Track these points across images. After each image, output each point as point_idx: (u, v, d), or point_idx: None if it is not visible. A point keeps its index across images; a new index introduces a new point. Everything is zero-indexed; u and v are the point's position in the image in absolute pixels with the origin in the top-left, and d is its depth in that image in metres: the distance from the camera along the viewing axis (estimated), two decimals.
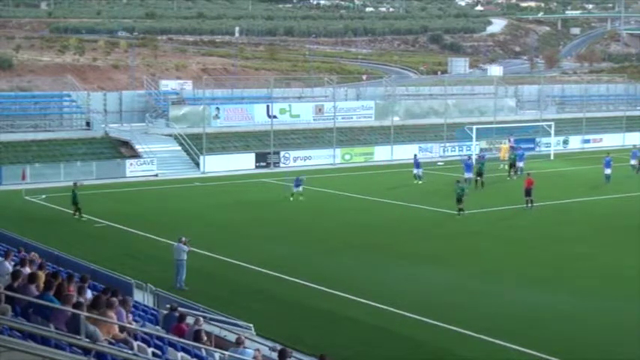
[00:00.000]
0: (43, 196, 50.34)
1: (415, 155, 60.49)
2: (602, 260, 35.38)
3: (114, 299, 16.96)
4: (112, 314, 16.10)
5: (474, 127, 69.65)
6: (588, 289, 30.64)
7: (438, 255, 36.15)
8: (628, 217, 44.68)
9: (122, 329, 16.47)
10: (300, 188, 49.30)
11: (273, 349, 20.53)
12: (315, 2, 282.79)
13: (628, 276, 32.53)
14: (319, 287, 30.58)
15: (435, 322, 26.50)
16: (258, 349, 19.18)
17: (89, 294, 19.10)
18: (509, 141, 70.41)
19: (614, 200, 49.92)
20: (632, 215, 45.22)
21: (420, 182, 55.21)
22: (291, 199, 48.62)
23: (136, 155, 61.85)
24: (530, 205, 46.38)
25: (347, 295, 29.44)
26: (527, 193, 46.58)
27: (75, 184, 46.02)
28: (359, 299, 28.99)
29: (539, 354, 23.56)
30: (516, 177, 56.95)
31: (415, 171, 56.49)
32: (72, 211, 44.17)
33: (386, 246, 37.80)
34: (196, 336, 18.74)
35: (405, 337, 25.48)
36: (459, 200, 44.18)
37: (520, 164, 59.07)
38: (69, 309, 15.18)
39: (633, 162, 60.75)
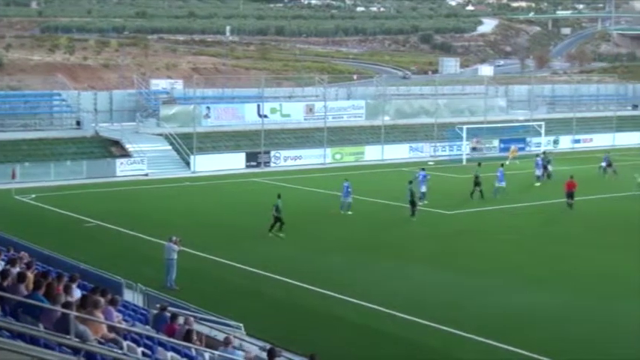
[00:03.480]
0: (33, 196, 50.20)
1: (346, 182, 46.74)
2: (596, 260, 35.43)
3: (100, 298, 16.87)
4: (99, 314, 16.03)
5: (465, 126, 69.87)
6: (582, 288, 30.67)
7: (430, 255, 36.16)
8: (620, 217, 44.87)
9: (112, 329, 16.42)
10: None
11: (263, 349, 20.50)
12: (306, 2, 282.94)
13: (622, 275, 32.62)
14: (310, 287, 30.55)
15: (426, 322, 26.48)
16: (248, 352, 19.17)
17: (78, 293, 19.02)
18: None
19: (605, 200, 49.99)
20: (624, 215, 45.38)
21: (350, 212, 45.31)
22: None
23: (126, 154, 61.73)
24: (569, 205, 46.52)
25: (338, 295, 29.42)
26: (570, 195, 46.72)
27: (279, 195, 40.76)
28: (350, 299, 28.97)
29: (532, 354, 23.56)
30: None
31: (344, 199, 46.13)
32: (271, 226, 39.38)
33: (377, 246, 37.80)
34: (187, 336, 18.69)
35: (397, 337, 25.46)
36: (413, 203, 43.42)
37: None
38: (58, 309, 15.13)
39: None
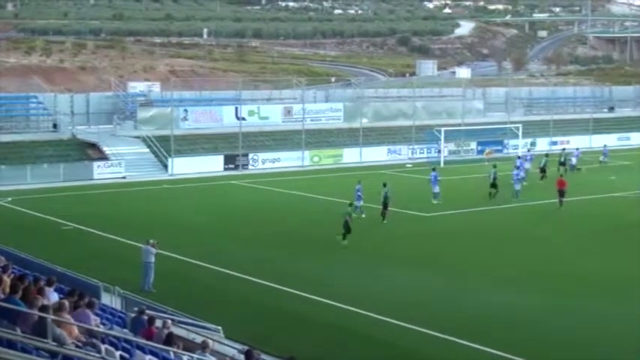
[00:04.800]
0: (10, 199, 49.92)
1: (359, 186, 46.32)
2: (574, 261, 35.61)
3: (64, 301, 16.73)
4: (67, 316, 15.90)
5: (442, 129, 70.04)
6: (559, 290, 30.75)
7: (408, 256, 36.21)
8: (600, 218, 45.20)
9: (89, 332, 16.33)
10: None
11: (241, 351, 20.44)
12: (283, 4, 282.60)
13: (600, 277, 32.84)
14: (288, 289, 30.55)
15: (404, 323, 26.51)
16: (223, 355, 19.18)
17: (55, 297, 18.91)
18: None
19: (584, 202, 50.17)
20: (602, 217, 45.67)
21: (363, 215, 44.64)
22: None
23: (103, 157, 61.46)
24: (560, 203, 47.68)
25: (315, 297, 29.43)
26: (561, 193, 47.86)
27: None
28: (328, 301, 28.97)
29: (511, 356, 23.61)
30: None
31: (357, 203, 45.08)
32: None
33: (356, 248, 37.77)
34: (168, 339, 18.58)
35: (374, 338, 25.48)
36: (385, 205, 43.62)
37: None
38: (35, 312, 15.02)
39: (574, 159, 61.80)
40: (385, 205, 43.50)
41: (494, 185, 50.12)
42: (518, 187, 50.89)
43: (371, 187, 46.60)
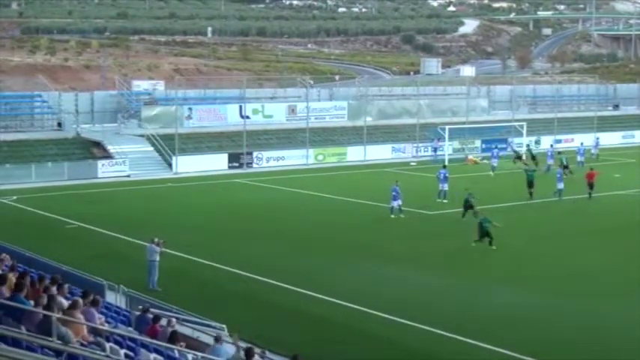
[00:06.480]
0: (14, 197, 49.97)
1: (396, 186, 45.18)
2: (575, 261, 35.59)
3: (78, 299, 16.77)
4: (79, 315, 15.94)
5: (447, 127, 69.93)
6: (561, 289, 30.76)
7: (410, 255, 36.20)
8: (601, 218, 45.12)
9: (94, 330, 16.36)
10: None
11: (244, 349, 20.54)
12: (287, 2, 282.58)
13: (601, 277, 32.84)
14: (292, 287, 30.57)
15: (407, 321, 26.57)
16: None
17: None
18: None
19: (586, 200, 50.10)
20: (605, 216, 45.62)
21: (402, 216, 44.35)
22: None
23: (108, 156, 61.46)
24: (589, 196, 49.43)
25: (319, 295, 29.45)
26: (590, 186, 49.66)
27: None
28: (332, 299, 29.01)
29: (515, 354, 23.65)
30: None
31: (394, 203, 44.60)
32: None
33: (360, 246, 37.79)
34: (172, 337, 18.64)
35: (378, 336, 25.55)
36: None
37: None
38: (40, 310, 15.06)
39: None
40: (469, 207, 43.04)
41: (530, 185, 49.98)
42: (561, 185, 50.38)
43: (385, 185, 46.46)
